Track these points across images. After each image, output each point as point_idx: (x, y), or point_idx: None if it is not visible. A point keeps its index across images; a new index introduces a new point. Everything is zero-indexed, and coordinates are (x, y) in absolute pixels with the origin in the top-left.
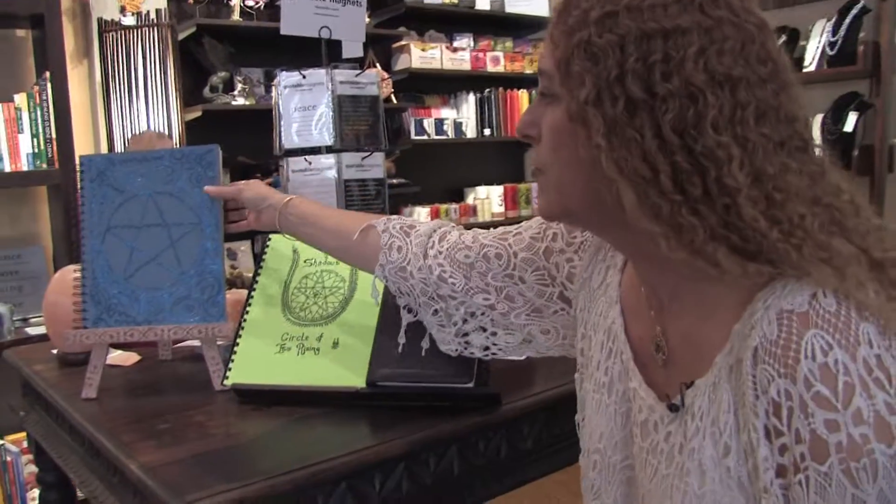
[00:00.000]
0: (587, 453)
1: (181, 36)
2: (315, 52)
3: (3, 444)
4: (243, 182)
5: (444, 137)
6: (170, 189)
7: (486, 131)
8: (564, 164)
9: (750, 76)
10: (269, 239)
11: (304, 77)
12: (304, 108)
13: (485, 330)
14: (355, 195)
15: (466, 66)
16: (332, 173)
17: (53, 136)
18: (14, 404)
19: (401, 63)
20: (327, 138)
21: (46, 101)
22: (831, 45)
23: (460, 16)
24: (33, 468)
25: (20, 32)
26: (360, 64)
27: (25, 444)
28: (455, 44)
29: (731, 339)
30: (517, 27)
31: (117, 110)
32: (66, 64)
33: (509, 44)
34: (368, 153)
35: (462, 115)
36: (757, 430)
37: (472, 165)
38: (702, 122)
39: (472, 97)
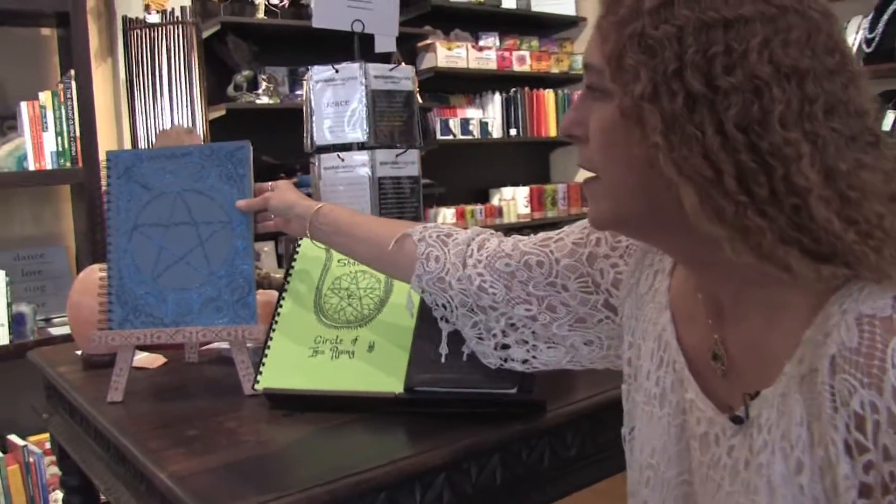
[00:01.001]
0: (639, 468)
1: (205, 34)
2: (340, 51)
3: (25, 446)
4: (271, 184)
5: (469, 137)
6: (199, 186)
7: (512, 131)
8: (617, 166)
9: (817, 68)
10: (300, 239)
11: (336, 71)
12: (336, 103)
13: (525, 342)
14: (389, 194)
15: (492, 66)
16: (366, 171)
17: (77, 134)
18: (37, 406)
19: (426, 62)
20: (361, 135)
21: (71, 99)
22: (868, 41)
23: (486, 14)
24: (56, 470)
25: (45, 31)
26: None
27: (48, 446)
28: (481, 43)
29: (801, 346)
30: (543, 26)
31: (141, 109)
32: (91, 62)
33: (535, 43)
34: (403, 150)
35: (488, 115)
36: (836, 445)
37: (498, 166)
38: (768, 117)
39: (497, 97)
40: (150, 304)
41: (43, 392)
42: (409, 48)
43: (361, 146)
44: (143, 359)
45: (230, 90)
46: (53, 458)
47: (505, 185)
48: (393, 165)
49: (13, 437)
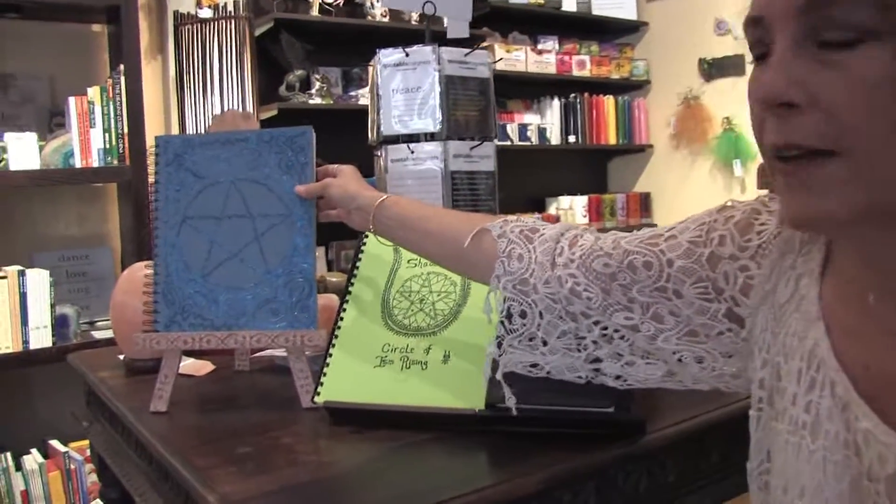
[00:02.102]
0: None
1: (258, 31)
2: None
3: (66, 452)
4: (335, 168)
5: (527, 143)
6: (256, 175)
7: (571, 138)
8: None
9: None
10: (365, 235)
11: (406, 55)
12: (406, 89)
13: (620, 356)
14: (462, 190)
15: (551, 70)
16: (438, 164)
17: (125, 131)
18: (77, 412)
19: None
20: (432, 124)
21: (120, 94)
22: None
23: (545, 17)
24: (96, 477)
25: (96, 27)
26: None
27: (89, 453)
28: (539, 46)
29: None
30: (603, 31)
31: (191, 106)
32: (141, 58)
33: (595, 47)
34: (478, 143)
35: (546, 121)
36: None
37: (555, 174)
38: None
39: (556, 102)
40: (200, 305)
41: (83, 398)
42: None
43: (432, 137)
44: (189, 365)
45: (282, 90)
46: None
47: (562, 194)
48: (467, 159)
49: (54, 443)
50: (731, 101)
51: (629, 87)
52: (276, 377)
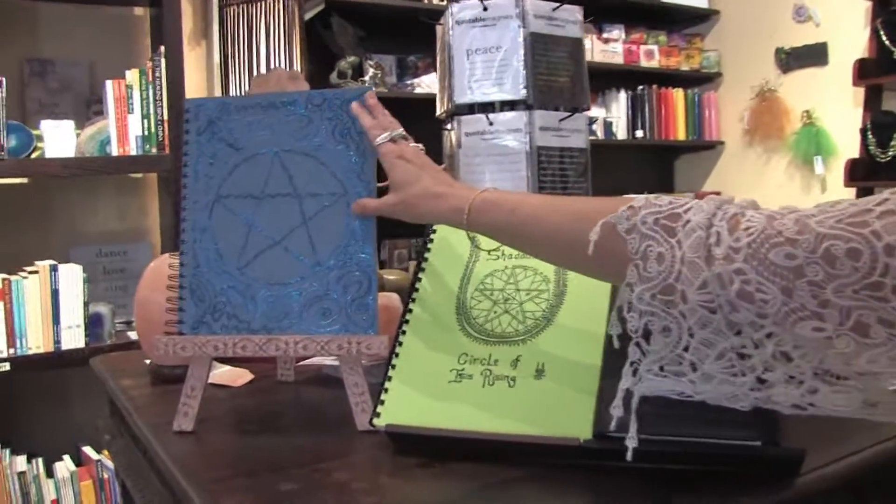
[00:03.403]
0: None
1: (308, 15)
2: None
3: (100, 460)
4: (404, 147)
5: (592, 138)
6: (304, 146)
7: (638, 133)
8: None
9: None
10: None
11: (485, 9)
12: (483, 49)
13: (800, 381)
14: (550, 170)
15: (618, 60)
16: (521, 138)
17: (165, 118)
18: (101, 423)
19: None
20: (516, 91)
21: (160, 79)
22: None
23: (610, 4)
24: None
25: (138, 10)
26: None
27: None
28: (605, 35)
29: None
30: (672, 20)
31: (236, 93)
32: (183, 40)
33: (663, 38)
34: (569, 114)
35: (612, 114)
36: None
37: (620, 170)
38: None
39: (623, 94)
40: (234, 303)
41: (107, 407)
42: None
43: (512, 107)
44: (223, 374)
45: (333, 77)
46: None
47: (627, 191)
48: (556, 133)
49: (87, 450)
50: (811, 94)
51: (699, 80)
52: (326, 390)
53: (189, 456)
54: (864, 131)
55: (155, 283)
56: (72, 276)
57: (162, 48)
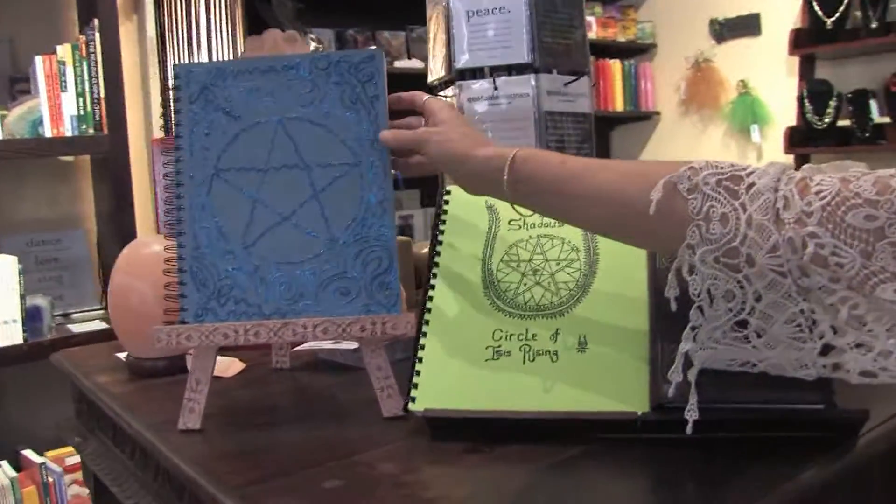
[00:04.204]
0: None
1: None
2: (392, 13)
3: (43, 463)
4: (422, 102)
5: None
6: (311, 113)
7: None
8: None
9: None
10: (447, 191)
11: None
12: (485, 11)
13: (871, 346)
14: (556, 135)
15: None
16: (529, 102)
17: (102, 95)
18: (64, 424)
19: None
20: (523, 53)
21: (94, 53)
22: None
23: None
24: (78, 490)
25: None
26: None
27: (69, 462)
28: None
29: None
30: None
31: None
32: (118, 12)
33: (598, 9)
34: (574, 77)
35: None
36: None
37: None
38: None
39: None
40: (242, 286)
41: (71, 406)
42: None
43: (509, 72)
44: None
45: None
46: (76, 476)
47: None
48: (562, 97)
49: (28, 453)
50: (746, 64)
51: (634, 51)
52: (328, 376)
53: (206, 457)
54: (800, 99)
55: (131, 268)
56: (5, 268)
57: (95, 21)
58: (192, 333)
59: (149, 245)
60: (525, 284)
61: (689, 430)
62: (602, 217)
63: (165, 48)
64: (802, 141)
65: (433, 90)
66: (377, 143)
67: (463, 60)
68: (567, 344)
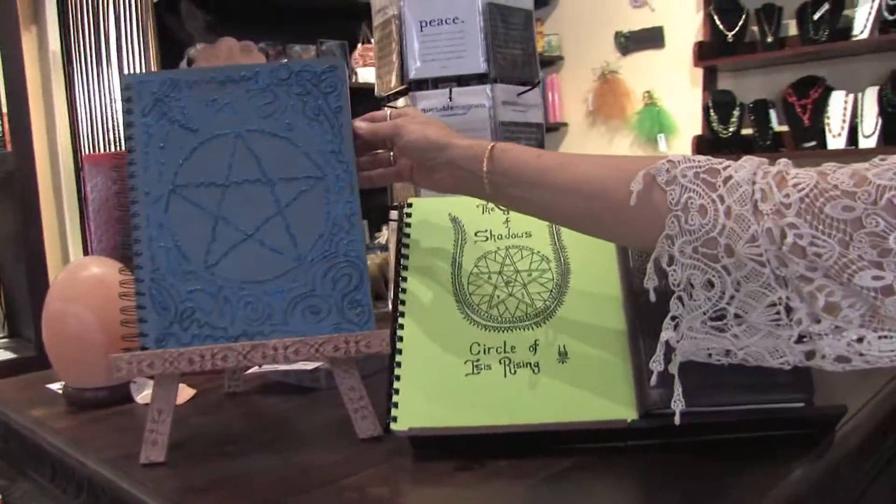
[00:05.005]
0: None
1: None
2: (303, 27)
3: None
4: (393, 111)
5: None
6: (272, 125)
7: None
8: None
9: None
10: (409, 203)
11: None
12: (438, 21)
13: (844, 331)
14: None
15: None
16: (485, 112)
17: (4, 110)
18: None
19: None
20: (478, 63)
21: None
22: (890, 8)
23: None
24: None
25: None
26: (351, 41)
27: None
28: None
29: None
30: None
31: (81, 86)
32: (20, 24)
33: None
34: (529, 88)
35: None
36: None
37: None
38: None
39: None
40: (206, 308)
41: None
42: None
43: (459, 83)
44: None
45: (182, 66)
46: None
47: None
48: (515, 108)
49: None
50: (650, 75)
51: (541, 64)
52: (287, 399)
53: (179, 492)
54: (706, 109)
55: (68, 292)
56: None
57: None
58: (155, 360)
59: (87, 267)
60: (498, 297)
61: (676, 420)
62: (580, 209)
63: (72, 62)
64: (709, 149)
65: (380, 102)
66: (342, 155)
67: (413, 70)
68: (547, 355)
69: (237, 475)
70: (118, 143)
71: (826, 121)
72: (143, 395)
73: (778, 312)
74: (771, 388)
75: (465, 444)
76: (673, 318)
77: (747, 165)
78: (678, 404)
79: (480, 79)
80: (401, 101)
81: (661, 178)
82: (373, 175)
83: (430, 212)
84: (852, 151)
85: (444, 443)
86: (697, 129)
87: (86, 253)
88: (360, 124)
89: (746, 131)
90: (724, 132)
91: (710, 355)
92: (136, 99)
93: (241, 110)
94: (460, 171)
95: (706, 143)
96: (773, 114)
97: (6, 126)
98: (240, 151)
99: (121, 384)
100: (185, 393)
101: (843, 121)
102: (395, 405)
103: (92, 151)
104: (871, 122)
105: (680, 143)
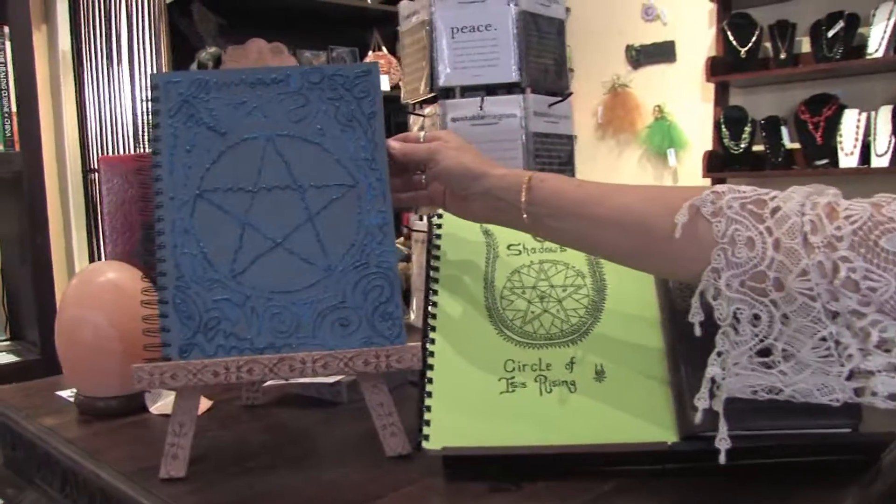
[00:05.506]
0: None
1: None
2: (314, 33)
3: None
4: (426, 134)
5: None
6: (303, 130)
7: None
8: None
9: None
10: (439, 215)
11: None
12: (471, 28)
13: None
14: (542, 158)
15: None
16: (518, 122)
17: (13, 109)
18: None
19: None
20: (511, 72)
21: (5, 65)
22: None
23: None
24: None
25: None
26: (362, 48)
27: None
28: None
29: None
30: None
31: (92, 87)
32: (31, 20)
33: None
34: (560, 98)
35: None
36: None
37: None
38: None
39: None
40: (231, 318)
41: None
42: (392, 32)
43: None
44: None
45: (193, 69)
46: None
47: None
48: (546, 119)
49: None
50: (661, 89)
51: None
52: (305, 413)
53: None
54: (718, 125)
55: (82, 298)
56: None
57: (6, 29)
58: (178, 372)
59: (102, 272)
60: (533, 312)
61: (721, 459)
62: (621, 242)
63: (82, 63)
64: (720, 165)
65: (406, 109)
66: (375, 163)
67: (444, 78)
68: (584, 373)
69: (261, 493)
70: (128, 146)
71: (839, 139)
72: (158, 406)
73: (828, 348)
74: (818, 413)
75: (499, 465)
76: (719, 354)
77: (795, 196)
78: (724, 443)
79: (509, 89)
80: (428, 110)
81: (706, 209)
82: (402, 197)
83: (461, 224)
84: (865, 170)
85: (478, 463)
86: (708, 145)
87: (91, 255)
88: (394, 144)
89: (758, 148)
90: (736, 148)
91: (754, 392)
92: (164, 99)
93: (271, 114)
94: (497, 201)
95: (717, 159)
96: (784, 131)
97: (15, 126)
98: (269, 156)
99: (135, 393)
100: (202, 404)
101: (856, 139)
102: (427, 423)
103: (101, 154)
104: (884, 141)
105: (690, 158)
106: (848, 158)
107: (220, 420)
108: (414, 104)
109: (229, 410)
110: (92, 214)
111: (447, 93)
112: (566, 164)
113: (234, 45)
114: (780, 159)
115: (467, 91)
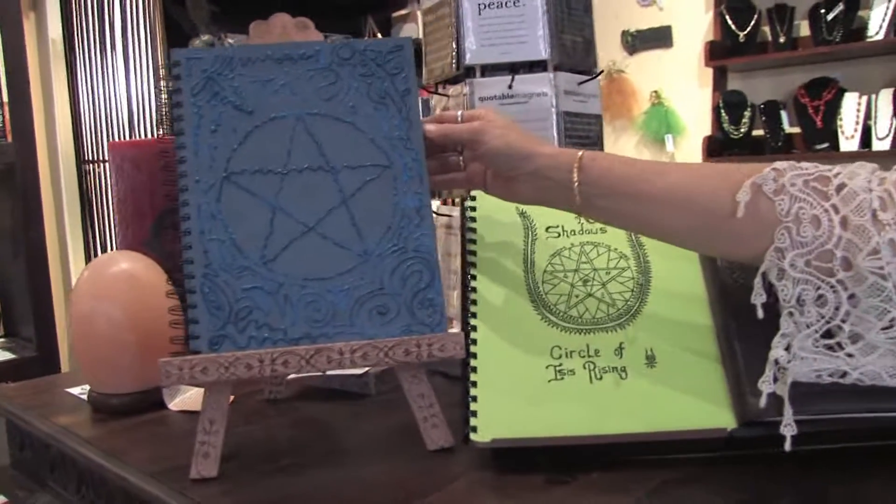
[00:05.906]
0: None
1: None
2: (308, 15)
3: None
4: (469, 113)
5: None
6: (334, 109)
7: None
8: None
9: None
10: (472, 197)
11: None
12: (498, 4)
13: None
14: (572, 138)
15: None
16: (549, 101)
17: (5, 99)
18: None
19: (403, 34)
20: (538, 50)
21: None
22: None
23: None
24: None
25: None
26: (356, 33)
27: None
28: None
29: None
30: None
31: (84, 76)
32: (21, 11)
33: None
34: (590, 77)
35: None
36: None
37: None
38: None
39: None
40: (263, 307)
41: (6, 453)
42: (384, 17)
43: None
44: (194, 398)
45: None
46: None
47: None
48: (575, 98)
49: None
50: (658, 75)
51: None
52: (333, 406)
53: None
54: (717, 109)
55: (97, 290)
56: None
57: None
58: (209, 365)
59: (116, 262)
60: (577, 296)
61: (787, 446)
62: (679, 221)
63: (74, 51)
64: (719, 150)
65: (428, 89)
66: (410, 142)
67: (471, 56)
68: (634, 358)
69: (299, 493)
70: (122, 137)
71: (839, 122)
72: (177, 402)
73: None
74: (886, 396)
75: (551, 456)
76: (784, 336)
77: (861, 172)
78: (789, 429)
79: (533, 67)
80: (452, 90)
81: (767, 187)
82: (437, 180)
83: (497, 205)
84: (866, 154)
85: (529, 454)
86: (706, 130)
87: (87, 248)
88: (430, 127)
89: (758, 132)
90: (736, 133)
91: (818, 375)
92: (185, 77)
93: (300, 91)
94: (547, 181)
95: (717, 144)
96: (784, 115)
97: (7, 116)
98: (299, 136)
99: (151, 389)
100: None
101: (857, 123)
102: (474, 414)
103: (95, 145)
104: (885, 125)
105: (688, 143)
106: (849, 142)
107: (245, 415)
108: (437, 84)
109: (252, 405)
110: (87, 207)
111: (469, 72)
112: (595, 145)
113: (228, 33)
114: (779, 144)
115: (487, 70)
